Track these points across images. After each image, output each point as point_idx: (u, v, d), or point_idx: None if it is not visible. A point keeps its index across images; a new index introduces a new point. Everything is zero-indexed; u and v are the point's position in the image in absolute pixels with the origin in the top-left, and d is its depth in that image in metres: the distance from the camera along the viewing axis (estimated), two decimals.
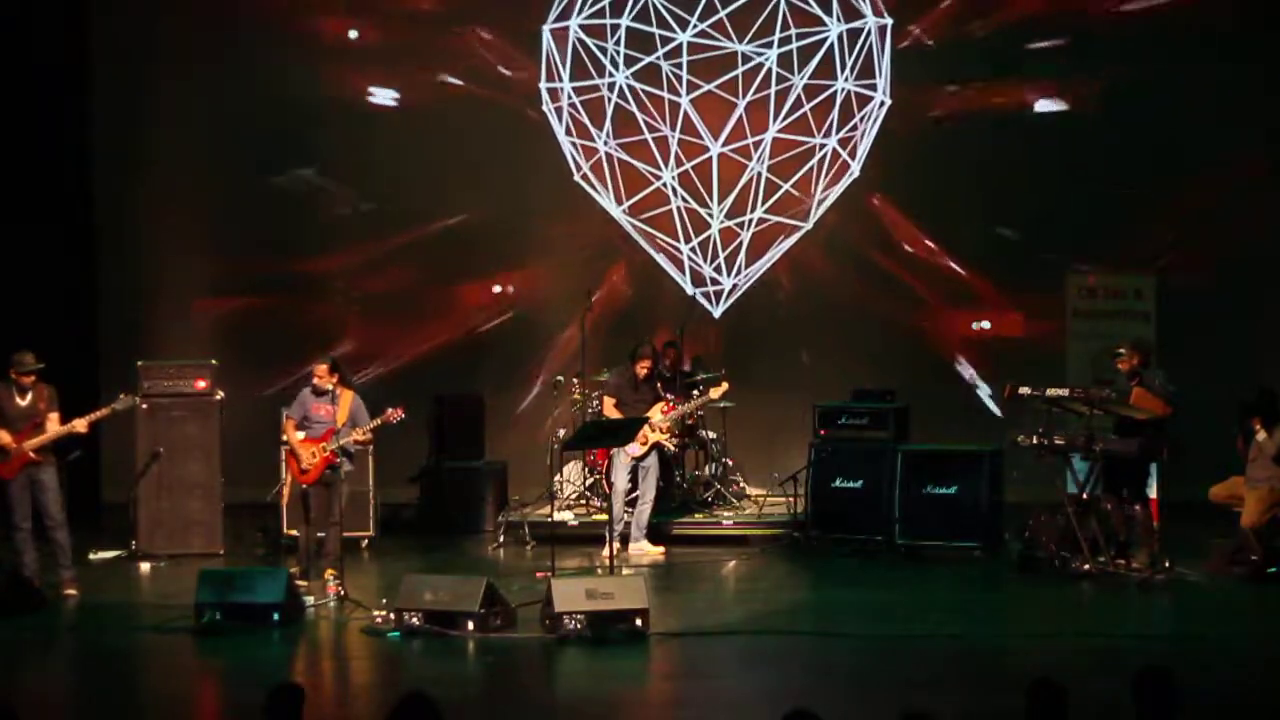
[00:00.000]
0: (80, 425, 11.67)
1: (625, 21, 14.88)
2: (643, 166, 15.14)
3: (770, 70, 14.89)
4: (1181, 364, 12.56)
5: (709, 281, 15.30)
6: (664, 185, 15.10)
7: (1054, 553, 11.93)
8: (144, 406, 13.07)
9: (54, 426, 11.56)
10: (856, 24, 14.83)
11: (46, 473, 11.56)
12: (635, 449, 12.82)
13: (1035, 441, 12.04)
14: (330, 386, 11.80)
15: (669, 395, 13.60)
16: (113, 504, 14.38)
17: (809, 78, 14.91)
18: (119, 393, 12.23)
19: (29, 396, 11.53)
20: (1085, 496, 11.96)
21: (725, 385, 13.57)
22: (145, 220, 15.88)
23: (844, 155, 15.00)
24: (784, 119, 15.00)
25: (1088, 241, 15.22)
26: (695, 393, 13.75)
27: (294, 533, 12.60)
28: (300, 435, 11.80)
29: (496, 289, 15.67)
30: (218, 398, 13.46)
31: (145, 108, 15.83)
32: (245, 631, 10.31)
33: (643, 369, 13.04)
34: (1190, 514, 12.79)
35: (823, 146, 15.01)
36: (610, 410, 13.04)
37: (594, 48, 14.98)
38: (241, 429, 13.95)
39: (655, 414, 12.98)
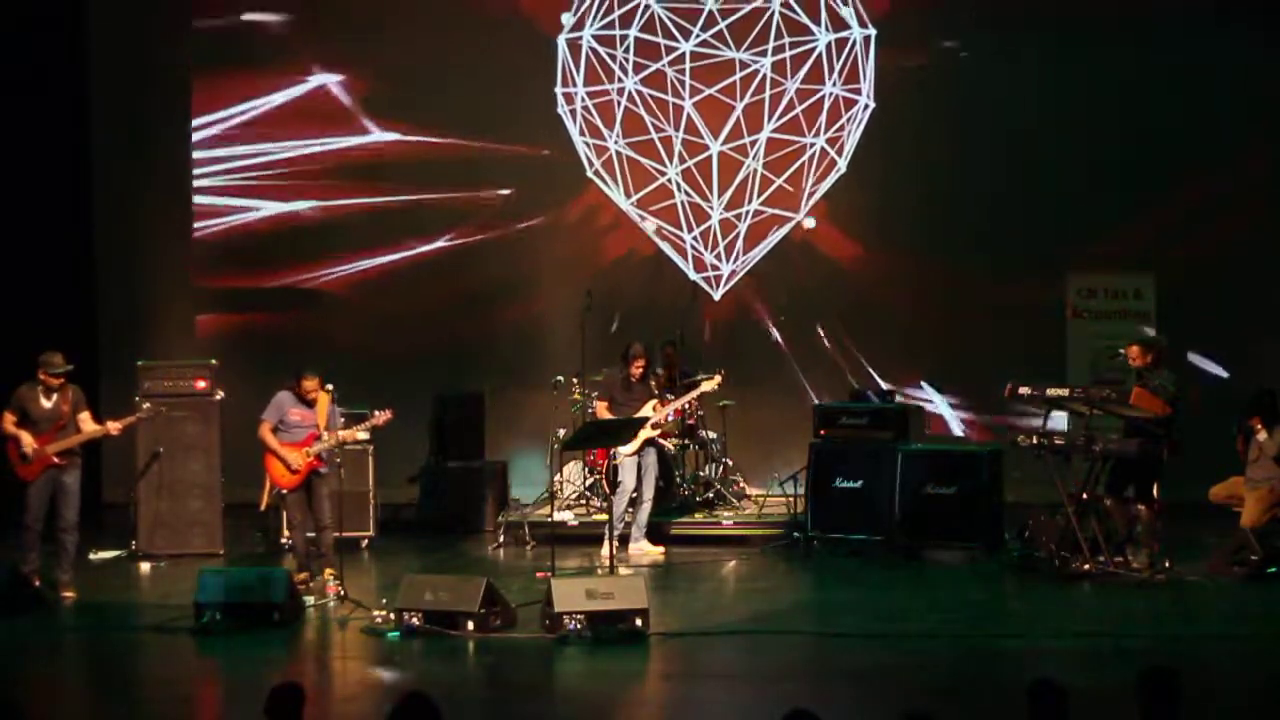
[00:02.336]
0: (114, 428, 11.75)
1: (633, 32, 15.68)
2: (649, 164, 15.81)
3: (765, 76, 15.60)
4: (1181, 364, 12.55)
5: (709, 267, 15.77)
6: (669, 181, 15.83)
7: (1054, 553, 11.89)
8: (145, 406, 13.06)
9: (87, 426, 11.59)
10: (843, 34, 15.59)
11: (71, 475, 11.56)
12: (627, 446, 12.80)
13: (1035, 441, 12.03)
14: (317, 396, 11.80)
15: (667, 395, 13.64)
16: (113, 504, 14.39)
17: (800, 83, 15.62)
18: (136, 398, 12.29)
19: (54, 399, 11.50)
20: (1085, 496, 11.94)
21: (718, 377, 13.60)
22: (145, 220, 15.88)
23: (831, 153, 15.66)
24: (777, 120, 15.67)
25: (1088, 241, 15.22)
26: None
27: (289, 534, 12.61)
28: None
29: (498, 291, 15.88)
30: (218, 398, 13.45)
31: (146, 105, 15.83)
32: (245, 631, 10.30)
33: (636, 369, 13.03)
34: (1190, 514, 12.77)
35: (812, 145, 15.67)
36: (603, 413, 13.00)
37: (605, 56, 15.73)
38: (241, 429, 13.94)
39: (648, 410, 12.97)
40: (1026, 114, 15.32)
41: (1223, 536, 12.23)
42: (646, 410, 12.94)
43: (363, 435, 12.21)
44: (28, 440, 11.38)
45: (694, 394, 13.64)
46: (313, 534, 11.81)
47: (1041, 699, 5.90)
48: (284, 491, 11.84)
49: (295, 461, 11.65)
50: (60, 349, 11.69)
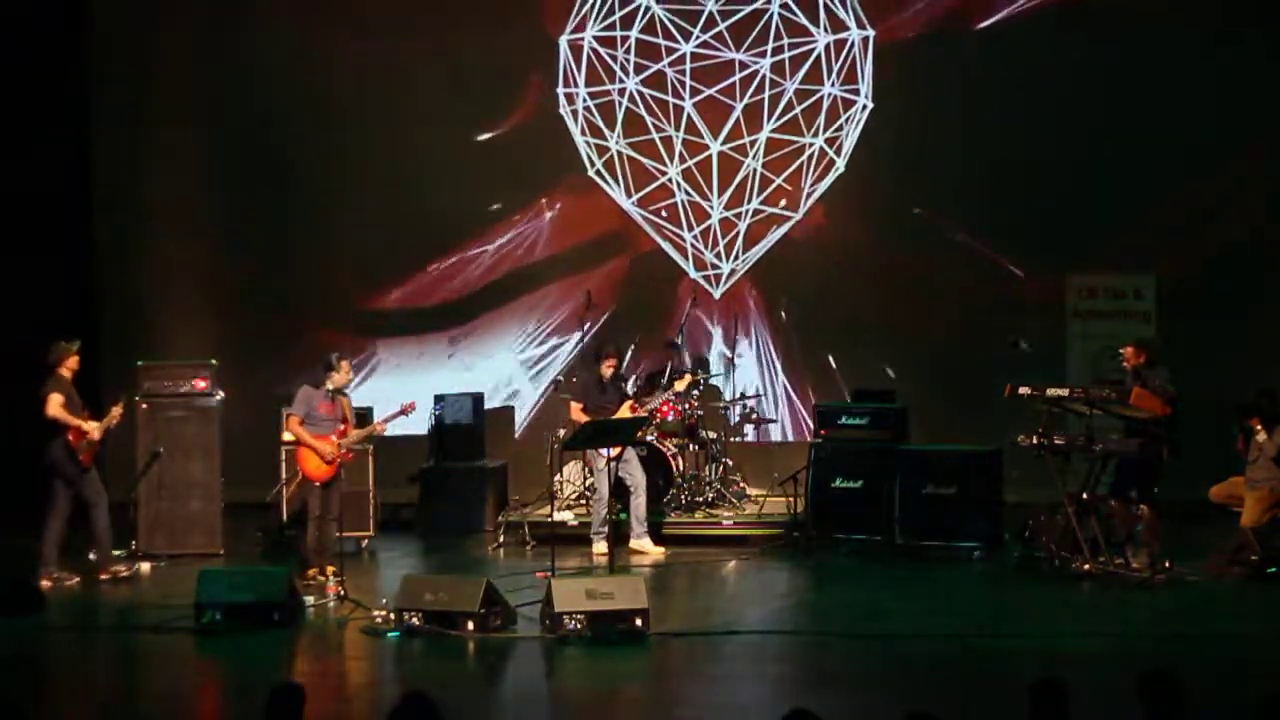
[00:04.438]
0: (116, 413, 12.25)
1: (634, 33, 15.73)
2: (650, 163, 15.85)
3: (764, 76, 15.64)
4: (1182, 364, 12.55)
5: (709, 266, 15.78)
6: (669, 180, 15.86)
7: (1054, 553, 11.89)
8: (144, 406, 13.11)
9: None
10: (842, 35, 15.61)
11: None
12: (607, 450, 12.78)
13: (1035, 441, 12.02)
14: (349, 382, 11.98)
15: (667, 395, 13.69)
16: (113, 504, 14.34)
17: (799, 83, 15.65)
18: (120, 396, 12.44)
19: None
20: (1085, 496, 11.92)
21: (689, 377, 13.67)
22: (146, 220, 15.88)
23: (830, 153, 15.68)
24: (776, 120, 15.69)
25: (1088, 241, 15.21)
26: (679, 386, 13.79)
27: (293, 532, 12.61)
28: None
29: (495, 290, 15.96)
30: (218, 398, 13.45)
31: (146, 106, 15.83)
32: (245, 631, 10.30)
33: (608, 368, 13.03)
34: (1190, 514, 12.76)
35: (811, 145, 15.66)
36: (578, 415, 12.97)
37: (606, 56, 15.80)
38: (241, 429, 13.95)
39: (625, 413, 12.97)
40: (1026, 114, 15.31)
41: (1223, 536, 12.23)
42: (624, 411, 12.95)
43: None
44: (93, 426, 11.88)
45: (666, 396, 13.71)
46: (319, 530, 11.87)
47: (1042, 699, 5.89)
48: (315, 484, 11.85)
49: (330, 453, 11.72)
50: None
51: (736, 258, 15.80)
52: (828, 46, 15.56)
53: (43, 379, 11.96)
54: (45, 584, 11.71)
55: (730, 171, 15.72)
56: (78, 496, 12.02)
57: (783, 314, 15.69)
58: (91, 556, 12.18)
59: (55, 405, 11.83)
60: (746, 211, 15.76)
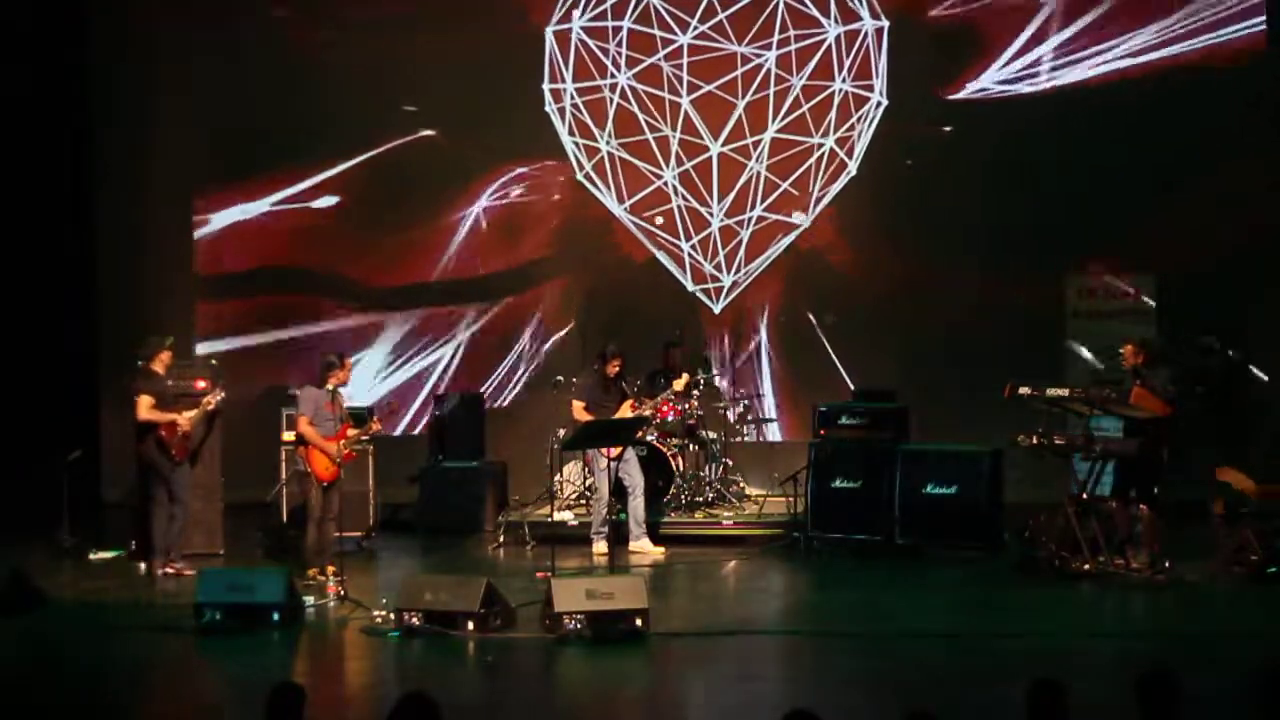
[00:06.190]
0: (210, 402, 12.54)
1: (627, 23, 15.12)
2: (644, 166, 15.34)
3: (769, 71, 15.09)
4: (1180, 364, 12.56)
5: (709, 278, 15.36)
6: (665, 184, 15.31)
7: (1054, 553, 11.91)
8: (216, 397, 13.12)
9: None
10: (854, 26, 15.04)
11: None
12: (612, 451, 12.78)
13: (1035, 441, 12.03)
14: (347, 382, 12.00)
15: (666, 395, 13.70)
16: (111, 504, 14.39)
17: (807, 78, 15.13)
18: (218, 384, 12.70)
19: None
20: (1085, 496, 11.94)
21: (686, 377, 13.69)
22: (146, 220, 15.89)
23: (841, 154, 15.21)
24: (782, 119, 15.20)
25: (1088, 241, 15.22)
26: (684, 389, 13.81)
27: (293, 532, 12.61)
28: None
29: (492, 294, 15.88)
30: (218, 398, 13.42)
31: (147, 103, 15.84)
32: (245, 631, 10.30)
33: (613, 369, 13.04)
34: (1190, 514, 12.77)
35: (820, 146, 15.20)
36: (580, 414, 12.97)
37: (596, 49, 15.18)
38: (241, 429, 13.93)
39: (626, 413, 12.97)
40: (1027, 115, 15.30)
41: (1223, 536, 12.22)
42: (625, 411, 12.96)
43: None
44: (185, 417, 12.12)
45: (664, 396, 13.72)
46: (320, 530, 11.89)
47: (1041, 699, 5.90)
48: (317, 484, 11.84)
49: (337, 454, 11.74)
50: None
51: (738, 269, 15.33)
52: (838, 38, 14.95)
53: (132, 376, 12.24)
54: (169, 571, 12.06)
55: (732, 175, 15.27)
56: (168, 489, 12.19)
57: (780, 318, 15.65)
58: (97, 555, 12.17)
59: (145, 409, 12.04)
60: (749, 219, 15.31)
